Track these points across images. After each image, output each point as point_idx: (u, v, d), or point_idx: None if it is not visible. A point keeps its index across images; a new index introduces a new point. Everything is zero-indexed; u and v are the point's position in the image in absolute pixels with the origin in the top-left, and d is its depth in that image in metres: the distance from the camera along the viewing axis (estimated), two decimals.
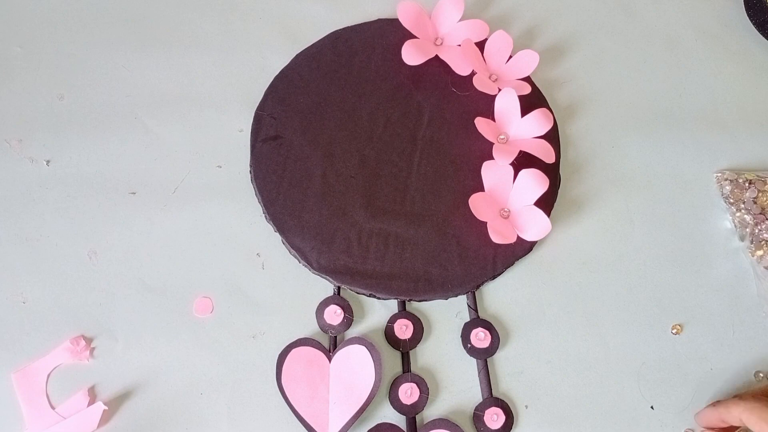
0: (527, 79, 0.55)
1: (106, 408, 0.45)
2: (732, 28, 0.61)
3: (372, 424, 0.46)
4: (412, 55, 0.54)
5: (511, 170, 0.51)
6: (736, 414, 0.43)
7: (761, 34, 0.60)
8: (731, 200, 0.53)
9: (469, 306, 0.50)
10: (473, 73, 0.54)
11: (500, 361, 0.49)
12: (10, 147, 0.53)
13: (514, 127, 0.53)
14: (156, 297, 0.49)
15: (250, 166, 0.52)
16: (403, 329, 0.48)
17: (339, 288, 0.50)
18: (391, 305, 0.50)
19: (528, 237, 0.49)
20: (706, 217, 0.53)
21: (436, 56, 0.55)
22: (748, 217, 0.52)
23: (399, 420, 0.47)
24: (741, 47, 0.60)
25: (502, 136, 0.53)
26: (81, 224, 0.51)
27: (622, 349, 0.49)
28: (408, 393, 0.47)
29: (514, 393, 0.48)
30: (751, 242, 0.52)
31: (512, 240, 0.49)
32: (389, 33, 0.56)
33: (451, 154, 0.53)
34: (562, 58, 0.59)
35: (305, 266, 0.50)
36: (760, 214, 0.53)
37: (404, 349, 0.48)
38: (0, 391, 0.46)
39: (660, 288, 0.51)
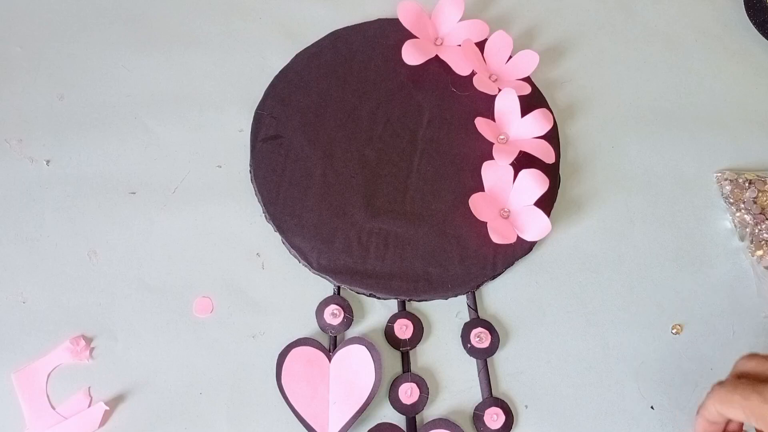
0: (527, 80, 0.55)
1: (107, 408, 0.45)
2: (732, 28, 0.61)
3: (372, 424, 0.46)
4: (412, 55, 0.54)
5: (511, 170, 0.51)
6: (714, 410, 0.40)
7: (761, 34, 0.60)
8: (731, 200, 0.53)
9: (469, 306, 0.50)
10: (473, 73, 0.54)
11: (500, 361, 0.49)
12: (10, 147, 0.53)
13: (514, 128, 0.53)
14: (156, 297, 0.49)
15: (250, 165, 0.52)
16: (403, 329, 0.48)
17: (339, 288, 0.50)
18: (391, 305, 0.50)
19: (528, 237, 0.49)
20: (706, 217, 0.53)
21: (436, 56, 0.55)
22: (748, 217, 0.53)
23: (399, 420, 0.47)
24: (741, 47, 0.60)
25: (502, 137, 0.53)
26: (81, 224, 0.51)
27: (622, 349, 0.49)
28: (408, 393, 0.47)
29: (514, 393, 0.48)
30: (751, 242, 0.52)
31: (512, 240, 0.49)
32: (389, 33, 0.56)
33: (451, 154, 0.53)
34: (562, 58, 0.59)
35: (305, 266, 0.50)
36: (760, 214, 0.53)
37: (404, 349, 0.48)
38: (0, 391, 0.46)
39: (660, 288, 0.51)
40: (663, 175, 0.55)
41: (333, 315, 0.48)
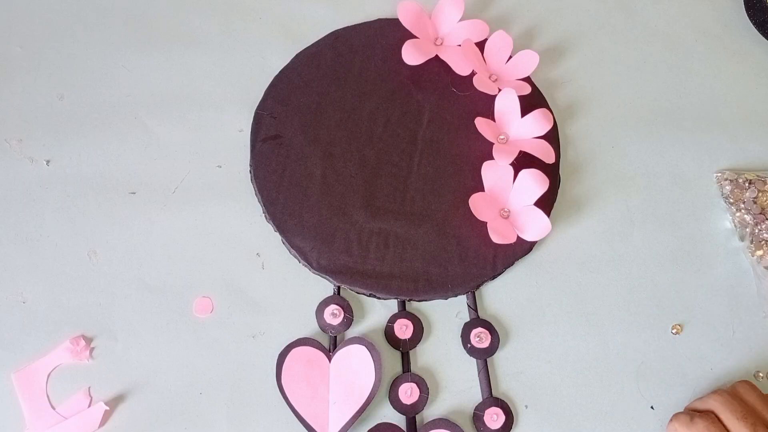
0: (527, 80, 0.55)
1: (107, 408, 0.45)
2: (732, 28, 0.61)
3: (372, 424, 0.46)
4: (412, 55, 0.54)
5: (511, 170, 0.51)
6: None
7: (761, 34, 0.60)
8: (731, 200, 0.53)
9: (469, 306, 0.50)
10: (473, 73, 0.54)
11: (500, 361, 0.49)
12: (10, 147, 0.53)
13: (514, 128, 0.53)
14: (156, 297, 0.49)
15: (250, 165, 0.52)
16: (403, 329, 0.48)
17: (339, 288, 0.50)
18: (391, 305, 0.50)
19: (528, 237, 0.49)
20: (706, 217, 0.53)
21: (436, 56, 0.55)
22: (748, 217, 0.53)
23: (399, 420, 0.47)
24: (741, 47, 0.60)
25: (502, 137, 0.53)
26: (81, 224, 0.51)
27: (621, 349, 0.49)
28: (408, 393, 0.47)
29: (514, 393, 0.48)
30: (751, 242, 0.52)
31: (512, 240, 0.49)
32: (389, 33, 0.56)
33: (451, 154, 0.53)
34: (562, 58, 0.59)
35: (305, 266, 0.50)
36: (760, 214, 0.53)
37: (404, 349, 0.48)
38: (0, 391, 0.46)
39: (660, 288, 0.51)
40: (663, 175, 0.55)
41: (333, 315, 0.48)
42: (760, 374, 0.49)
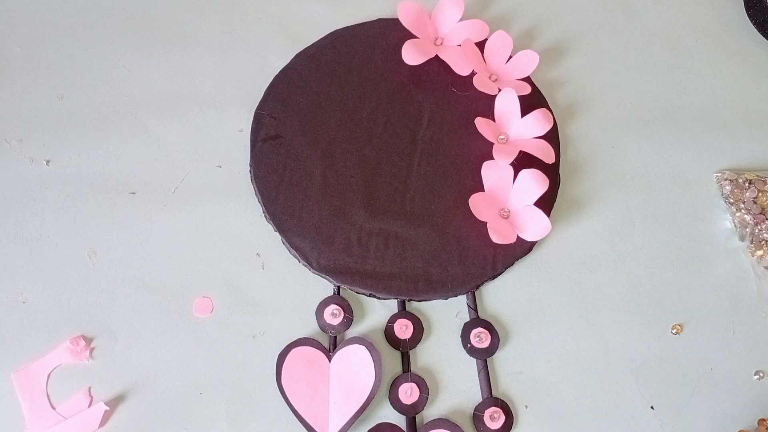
0: (527, 80, 0.55)
1: (107, 408, 0.45)
2: (732, 28, 0.61)
3: (372, 424, 0.46)
4: (412, 55, 0.54)
5: (511, 170, 0.51)
6: None
7: (761, 34, 0.60)
8: (731, 200, 0.53)
9: (469, 306, 0.50)
10: (473, 73, 0.54)
11: (500, 361, 0.49)
12: (10, 147, 0.53)
13: (514, 128, 0.53)
14: (156, 297, 0.49)
15: (250, 165, 0.53)
16: (403, 329, 0.48)
17: (339, 288, 0.50)
18: (391, 305, 0.50)
19: (528, 237, 0.49)
20: (706, 217, 0.53)
21: (436, 56, 0.55)
22: (748, 217, 0.53)
23: (399, 420, 0.47)
24: (741, 47, 0.60)
25: (502, 137, 0.53)
26: (81, 224, 0.51)
27: (621, 349, 0.49)
28: (408, 393, 0.47)
29: (514, 393, 0.48)
30: (751, 242, 0.52)
31: (512, 240, 0.49)
32: (389, 33, 0.56)
33: (451, 154, 0.53)
34: (562, 58, 0.59)
35: (305, 266, 0.50)
36: (760, 214, 0.53)
37: (404, 349, 0.48)
38: (0, 391, 0.46)
39: (660, 288, 0.51)
40: (663, 175, 0.55)
41: (333, 315, 0.48)
42: (761, 374, 0.49)
